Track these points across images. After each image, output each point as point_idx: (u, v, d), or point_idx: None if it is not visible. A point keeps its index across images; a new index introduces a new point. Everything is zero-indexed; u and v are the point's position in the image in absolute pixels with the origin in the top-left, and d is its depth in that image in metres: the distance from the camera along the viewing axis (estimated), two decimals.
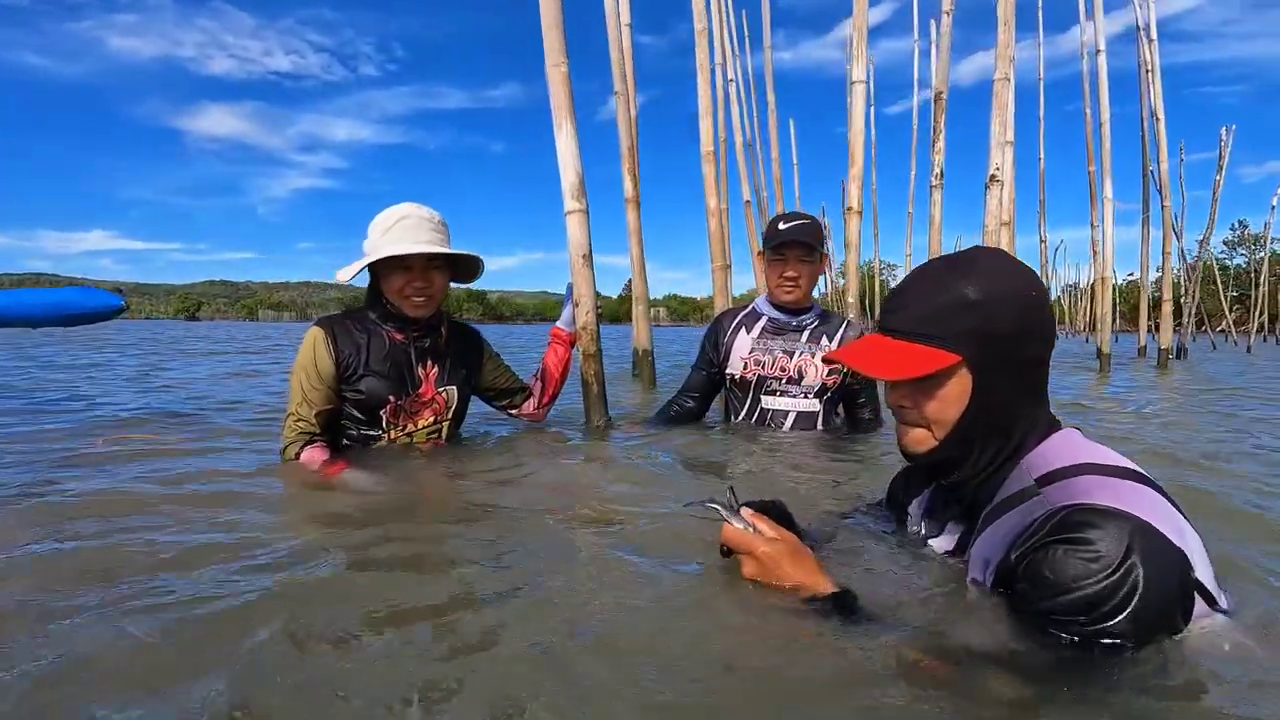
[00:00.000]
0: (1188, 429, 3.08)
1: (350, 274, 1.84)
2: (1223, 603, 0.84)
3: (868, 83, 3.11)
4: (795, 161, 9.42)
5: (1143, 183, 7.79)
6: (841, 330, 2.41)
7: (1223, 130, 10.05)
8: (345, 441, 1.95)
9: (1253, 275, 18.30)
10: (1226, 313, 16.56)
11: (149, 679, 0.79)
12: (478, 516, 1.46)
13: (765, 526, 0.99)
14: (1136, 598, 0.74)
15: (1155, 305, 8.93)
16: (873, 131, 9.81)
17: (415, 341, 1.97)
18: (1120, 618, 0.74)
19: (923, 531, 1.14)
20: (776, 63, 6.78)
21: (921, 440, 0.96)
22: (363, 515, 1.44)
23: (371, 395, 1.89)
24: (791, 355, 2.37)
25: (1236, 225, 44.37)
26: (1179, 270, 9.68)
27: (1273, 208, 13.50)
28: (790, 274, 2.31)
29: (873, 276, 17.50)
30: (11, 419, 2.89)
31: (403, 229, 1.83)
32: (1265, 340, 16.77)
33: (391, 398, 1.92)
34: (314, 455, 1.81)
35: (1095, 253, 7.37)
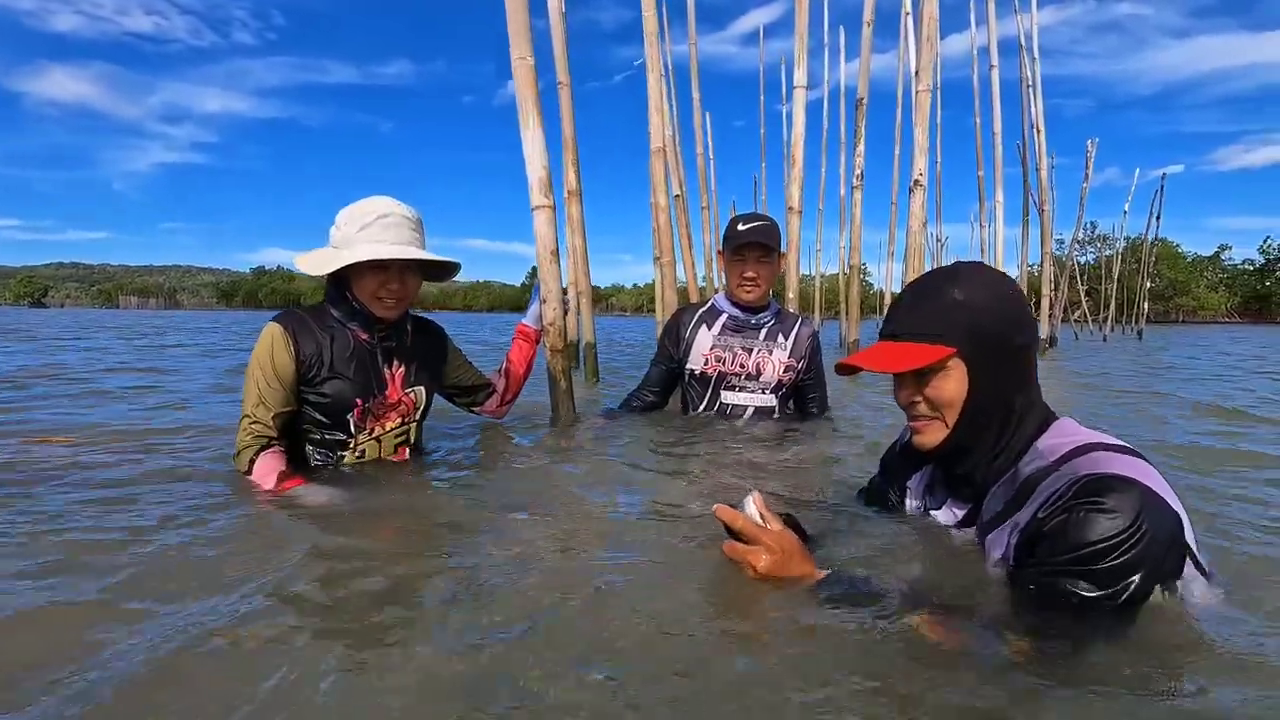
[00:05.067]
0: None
1: (322, 268, 1.72)
2: (1204, 563, 0.98)
3: (807, 87, 3.24)
4: (712, 156, 9.61)
5: (1023, 190, 8.56)
6: (796, 328, 2.51)
7: (1088, 143, 11.20)
8: (309, 448, 1.84)
9: (1103, 271, 20.47)
10: (1084, 305, 18.55)
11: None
12: (448, 528, 1.41)
13: (773, 520, 1.04)
14: (1146, 550, 0.86)
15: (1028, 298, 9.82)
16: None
17: (381, 341, 1.88)
18: (1133, 567, 0.86)
19: (924, 506, 1.25)
20: (679, 57, 6.86)
21: (935, 432, 1.07)
22: (319, 533, 1.35)
23: (337, 398, 1.80)
24: (750, 352, 2.45)
25: (1088, 226, 49.78)
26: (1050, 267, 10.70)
27: (1124, 212, 15.24)
28: (749, 274, 2.39)
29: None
30: None
31: (382, 227, 1.74)
32: (1113, 329, 18.86)
33: (358, 400, 1.82)
34: (270, 465, 1.69)
35: (984, 252, 8.06)
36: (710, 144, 9.58)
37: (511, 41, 2.20)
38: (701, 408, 2.50)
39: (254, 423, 1.73)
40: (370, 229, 1.75)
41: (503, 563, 1.18)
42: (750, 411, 2.47)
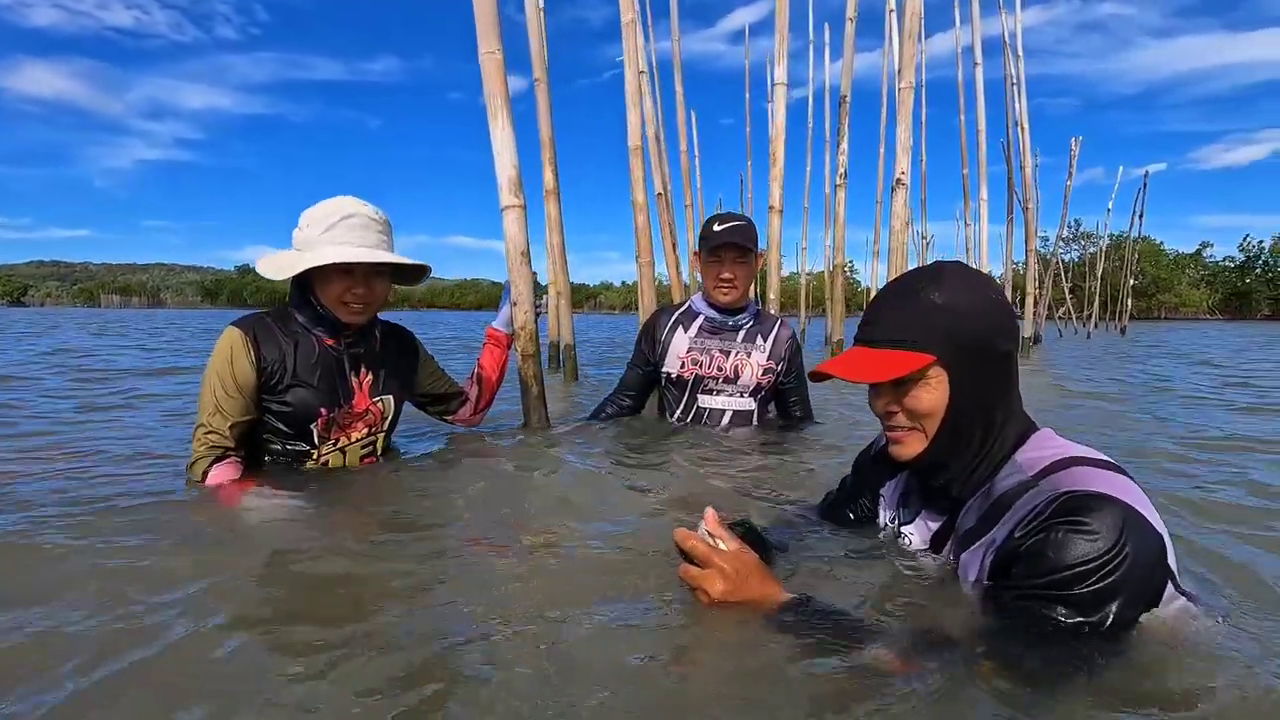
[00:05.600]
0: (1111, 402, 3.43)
1: (283, 272, 1.66)
2: (1182, 585, 0.93)
3: (788, 85, 3.21)
4: (697, 154, 9.59)
5: (1007, 188, 8.59)
6: (775, 330, 2.47)
7: (1073, 141, 11.27)
8: (268, 458, 1.78)
9: (1085, 268, 20.64)
10: (1068, 302, 18.71)
11: None
12: (402, 542, 1.34)
13: (729, 539, 0.97)
14: (1128, 574, 0.82)
15: (1013, 296, 9.90)
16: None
17: (348, 348, 1.82)
18: (1113, 592, 0.81)
19: (897, 520, 1.19)
20: (664, 54, 6.80)
21: (913, 443, 1.01)
22: (266, 550, 1.28)
23: (300, 408, 1.73)
24: (728, 355, 2.40)
25: (1072, 224, 50.44)
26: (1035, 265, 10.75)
27: (1108, 210, 15.37)
28: (726, 275, 2.34)
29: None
30: None
31: (347, 229, 1.68)
32: (1096, 326, 19.03)
33: (323, 410, 1.76)
34: (224, 476, 1.63)
35: (969, 250, 8.08)
36: (696, 141, 9.55)
37: (479, 35, 2.14)
38: (679, 412, 2.45)
39: (209, 432, 1.66)
40: (334, 230, 1.69)
41: (454, 586, 1.13)
42: (728, 415, 2.42)
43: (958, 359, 0.96)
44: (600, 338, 11.98)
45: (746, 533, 1.06)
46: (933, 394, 0.97)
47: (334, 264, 1.67)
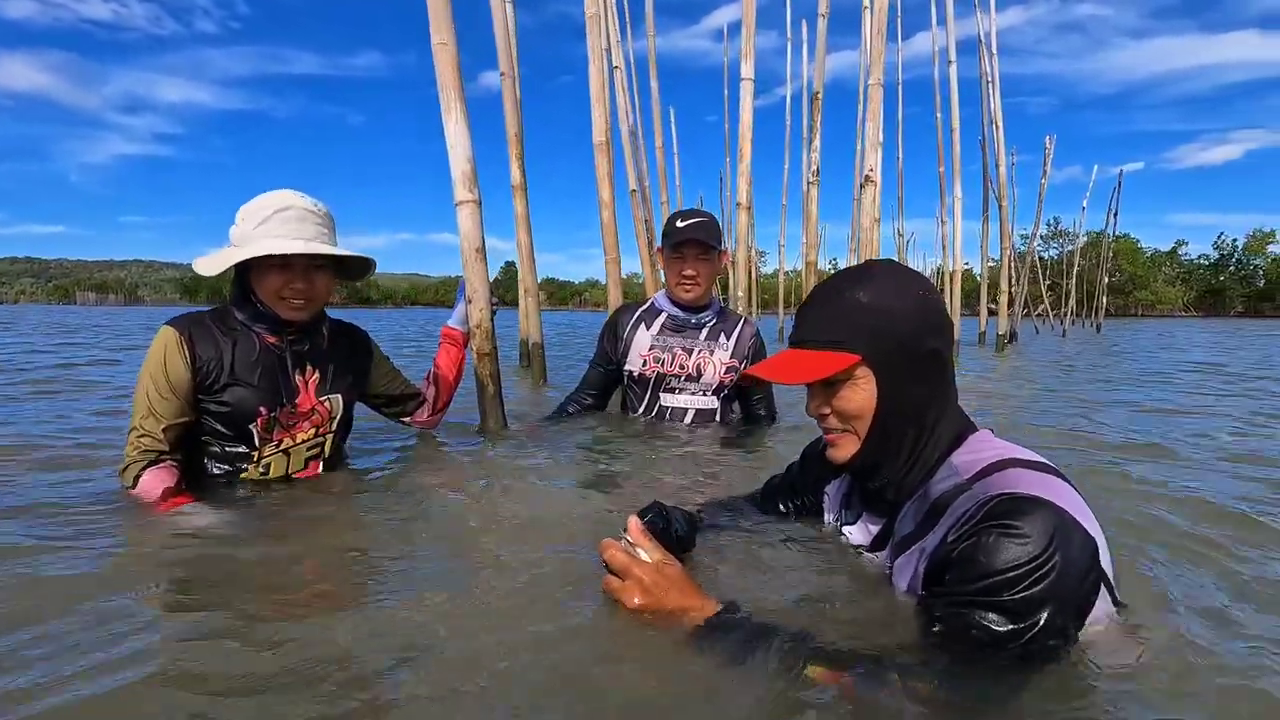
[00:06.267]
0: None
1: (216, 268, 1.60)
2: (1116, 592, 0.91)
3: (754, 80, 3.18)
4: (675, 150, 9.56)
5: (983, 185, 8.66)
6: (739, 328, 2.44)
7: (1046, 139, 11.36)
8: (207, 460, 1.72)
9: (1064, 266, 20.88)
10: (1045, 299, 18.91)
11: None
12: (342, 548, 1.30)
13: (651, 549, 0.95)
14: (1059, 580, 0.79)
15: (990, 293, 9.98)
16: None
17: (291, 345, 1.76)
18: (1044, 597, 0.79)
19: (840, 520, 1.18)
20: (643, 50, 6.73)
21: (846, 445, 1.00)
22: (195, 560, 1.23)
23: (238, 407, 1.67)
24: (691, 353, 2.38)
25: (1051, 222, 51.15)
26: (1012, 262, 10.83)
27: (1083, 208, 15.55)
28: (689, 272, 2.31)
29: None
30: None
31: (282, 221, 1.62)
32: (1073, 324, 19.26)
33: (263, 409, 1.70)
34: (157, 480, 1.56)
35: (944, 247, 8.13)
36: (675, 137, 9.53)
37: (431, 24, 2.08)
38: (641, 410, 2.42)
39: (142, 436, 1.60)
40: (268, 224, 1.63)
41: (393, 596, 1.09)
42: (691, 414, 2.40)
43: (884, 358, 0.94)
44: (576, 339, 11.92)
45: (664, 526, 1.02)
46: (861, 394, 0.95)
47: (271, 259, 1.61)
